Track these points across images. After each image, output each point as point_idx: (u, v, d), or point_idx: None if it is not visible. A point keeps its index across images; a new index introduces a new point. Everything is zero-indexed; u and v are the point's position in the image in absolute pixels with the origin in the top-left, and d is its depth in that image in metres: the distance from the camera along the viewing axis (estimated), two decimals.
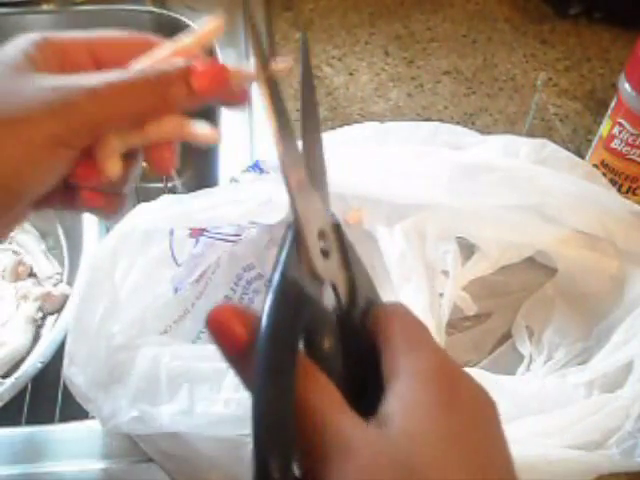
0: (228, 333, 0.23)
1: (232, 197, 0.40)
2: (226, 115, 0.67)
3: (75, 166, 0.30)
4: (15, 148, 0.27)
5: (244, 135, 0.65)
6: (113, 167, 0.30)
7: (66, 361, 0.40)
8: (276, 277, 0.24)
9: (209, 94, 0.30)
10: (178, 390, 0.38)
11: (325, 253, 0.26)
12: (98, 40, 0.32)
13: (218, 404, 0.38)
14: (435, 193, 0.47)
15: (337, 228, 0.27)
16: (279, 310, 0.23)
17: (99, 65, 0.31)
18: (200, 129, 0.31)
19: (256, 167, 0.48)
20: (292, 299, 0.24)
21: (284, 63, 0.31)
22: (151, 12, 0.79)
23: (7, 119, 0.27)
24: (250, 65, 0.30)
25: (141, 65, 0.31)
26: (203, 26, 0.31)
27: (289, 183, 0.26)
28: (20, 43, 0.30)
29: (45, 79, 0.29)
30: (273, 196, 0.44)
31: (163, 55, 0.31)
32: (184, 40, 0.31)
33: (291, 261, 0.24)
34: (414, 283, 0.47)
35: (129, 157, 0.31)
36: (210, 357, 0.39)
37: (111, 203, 0.32)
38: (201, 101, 0.30)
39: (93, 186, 0.31)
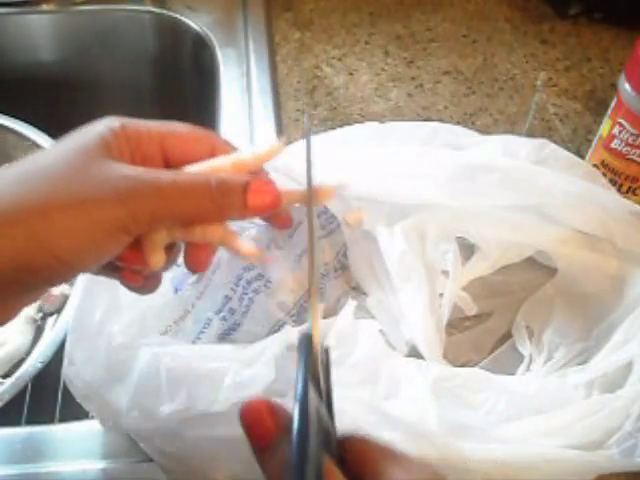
0: (260, 427, 0.25)
1: None
2: (226, 116, 0.67)
3: (124, 250, 0.32)
4: (81, 227, 0.29)
5: (244, 136, 0.65)
6: (157, 260, 0.32)
7: (66, 361, 0.39)
8: (300, 389, 0.26)
9: (260, 212, 0.32)
10: (178, 389, 0.38)
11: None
12: (169, 133, 0.34)
13: (218, 404, 0.38)
14: (434, 193, 0.47)
15: (327, 351, 0.29)
16: (305, 423, 0.24)
17: (166, 156, 0.34)
18: (244, 246, 0.33)
19: None
20: (314, 413, 0.25)
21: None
22: (151, 12, 0.79)
23: (78, 199, 0.29)
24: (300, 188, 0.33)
25: (204, 169, 0.33)
26: (264, 146, 0.34)
27: (315, 315, 0.28)
28: (99, 128, 0.32)
29: (117, 167, 0.30)
30: None
31: (224, 165, 0.33)
32: (245, 155, 0.34)
33: (309, 375, 0.26)
34: (414, 283, 0.47)
35: (170, 247, 0.33)
36: (210, 357, 0.39)
37: (148, 284, 0.35)
38: (251, 216, 0.33)
39: (135, 269, 0.33)
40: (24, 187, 0.29)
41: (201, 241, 0.33)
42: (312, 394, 0.26)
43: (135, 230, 0.30)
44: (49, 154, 0.31)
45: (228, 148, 0.35)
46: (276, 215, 0.35)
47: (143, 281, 0.34)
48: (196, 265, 0.35)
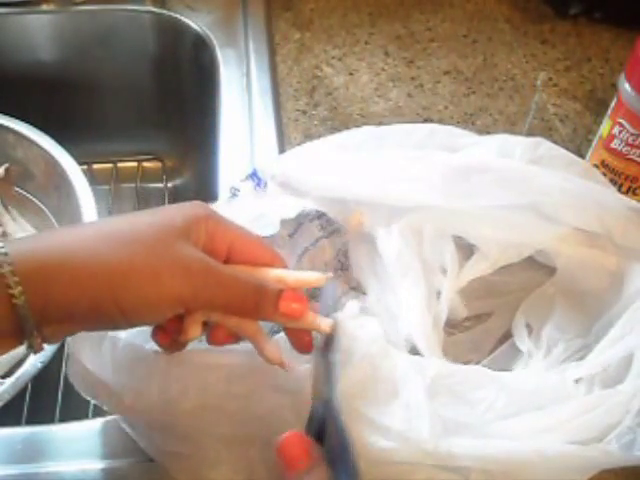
0: (294, 458, 0.31)
1: (225, 212, 0.41)
2: (226, 116, 0.67)
3: None
4: (152, 294, 0.33)
5: (244, 136, 0.65)
6: (194, 333, 0.36)
7: (68, 356, 0.40)
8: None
9: (288, 317, 0.36)
10: (182, 384, 0.38)
11: None
12: (240, 237, 0.38)
13: (219, 398, 0.38)
14: (431, 195, 0.47)
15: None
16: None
17: (229, 255, 0.37)
18: (269, 350, 0.37)
19: (254, 176, 0.48)
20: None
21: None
22: (151, 12, 0.79)
23: (157, 270, 0.33)
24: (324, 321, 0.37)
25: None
26: (309, 273, 0.38)
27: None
28: (188, 211, 0.36)
29: (193, 251, 0.35)
30: (266, 211, 0.45)
31: (269, 274, 0.38)
32: (289, 274, 0.38)
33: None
34: (411, 280, 0.47)
35: (205, 323, 0.37)
36: (215, 352, 0.40)
37: (175, 346, 0.38)
38: (279, 320, 0.37)
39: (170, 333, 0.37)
40: (115, 245, 0.33)
41: (234, 330, 0.37)
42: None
43: (191, 307, 0.35)
44: (141, 221, 0.35)
45: (282, 264, 0.39)
46: (301, 338, 0.38)
47: (170, 343, 0.38)
48: (217, 343, 0.38)
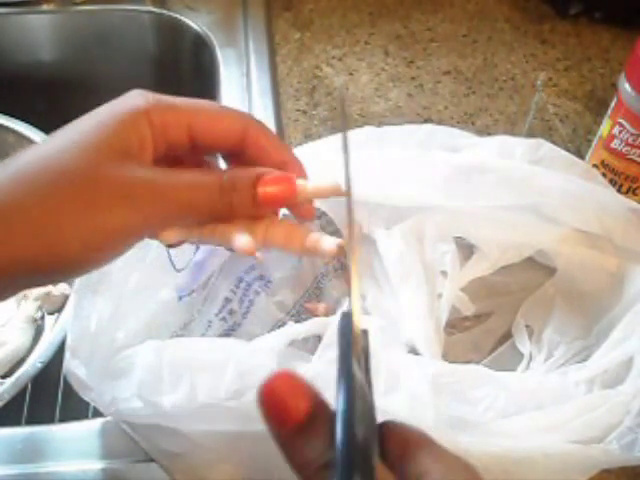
0: (285, 405, 0.21)
1: None
2: None
3: None
4: (90, 234, 0.28)
5: None
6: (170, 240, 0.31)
7: (67, 355, 0.40)
8: (345, 366, 0.23)
9: (271, 206, 0.31)
10: (181, 380, 0.38)
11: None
12: (197, 113, 0.32)
13: (220, 393, 0.38)
14: (432, 196, 0.47)
15: (365, 333, 0.26)
16: (352, 404, 0.22)
17: (193, 137, 0.31)
18: (239, 239, 0.31)
19: None
20: (360, 393, 0.23)
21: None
22: (151, 12, 0.79)
23: (89, 207, 0.28)
24: (316, 180, 0.31)
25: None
26: (328, 180, 0.32)
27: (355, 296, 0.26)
28: (122, 116, 0.30)
29: (131, 170, 0.29)
30: None
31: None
32: (305, 182, 0.32)
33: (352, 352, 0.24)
34: (413, 283, 0.47)
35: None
36: (213, 349, 0.40)
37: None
38: (263, 211, 0.31)
39: None
40: (29, 185, 0.28)
41: (212, 243, 0.32)
42: (357, 372, 0.23)
43: (147, 233, 0.30)
44: (63, 144, 0.29)
45: (264, 130, 0.33)
46: (296, 207, 0.33)
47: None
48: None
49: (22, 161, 0.29)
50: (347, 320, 0.25)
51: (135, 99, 0.31)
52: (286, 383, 0.22)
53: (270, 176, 0.31)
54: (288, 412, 0.22)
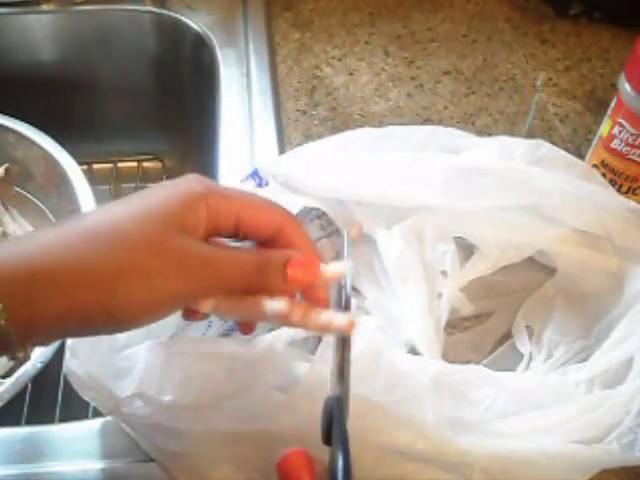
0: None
1: None
2: (226, 116, 0.67)
3: None
4: (146, 299, 0.31)
5: (244, 136, 0.65)
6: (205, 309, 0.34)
7: (67, 355, 0.40)
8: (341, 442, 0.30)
9: (301, 285, 0.34)
10: (181, 380, 0.38)
11: None
12: (247, 206, 0.35)
13: (221, 395, 0.38)
14: (432, 196, 0.47)
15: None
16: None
17: (239, 225, 0.35)
18: (271, 304, 0.34)
19: (255, 175, 0.48)
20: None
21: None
22: (151, 12, 0.79)
23: (148, 273, 0.30)
24: (339, 267, 0.36)
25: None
26: (333, 266, 0.35)
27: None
28: (183, 197, 0.33)
29: (187, 243, 0.32)
30: None
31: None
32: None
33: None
34: (412, 283, 0.47)
35: None
36: (213, 347, 0.40)
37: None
38: (294, 290, 0.35)
39: None
40: (98, 246, 0.30)
41: (239, 312, 0.35)
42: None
43: (191, 302, 0.33)
44: (125, 214, 0.32)
45: (299, 229, 0.36)
46: (315, 294, 0.36)
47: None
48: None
49: (91, 220, 0.32)
50: (338, 403, 0.32)
51: (196, 183, 0.34)
52: (302, 458, 0.30)
53: (300, 260, 0.34)
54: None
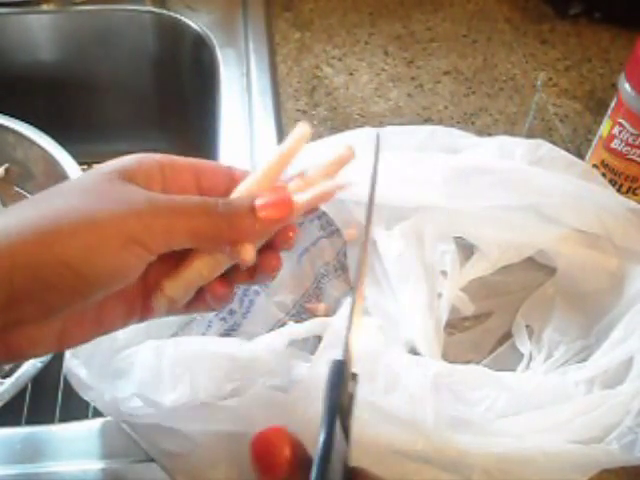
0: (275, 457, 0.25)
1: None
2: (226, 116, 0.67)
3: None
4: (93, 240, 0.29)
5: (244, 136, 0.65)
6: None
7: (67, 355, 0.40)
8: (327, 420, 0.26)
9: (275, 224, 0.33)
10: (180, 380, 0.38)
11: None
12: (201, 165, 0.35)
13: (221, 394, 0.38)
14: (432, 196, 0.47)
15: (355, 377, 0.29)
16: (328, 460, 0.25)
17: (200, 189, 0.35)
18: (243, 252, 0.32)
19: None
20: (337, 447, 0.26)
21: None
22: (151, 12, 0.79)
23: (90, 214, 0.30)
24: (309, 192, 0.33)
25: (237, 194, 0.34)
26: (288, 140, 0.34)
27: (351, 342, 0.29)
28: (125, 159, 0.33)
29: (134, 189, 0.32)
30: None
31: (258, 179, 0.34)
32: (272, 158, 0.34)
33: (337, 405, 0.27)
34: (413, 284, 0.47)
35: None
36: (212, 347, 0.40)
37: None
38: (270, 230, 0.33)
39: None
40: (41, 206, 0.30)
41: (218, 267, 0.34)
42: (337, 426, 0.26)
43: (151, 244, 0.31)
44: (70, 181, 0.33)
45: (245, 171, 0.35)
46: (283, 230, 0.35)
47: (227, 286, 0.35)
48: (216, 301, 0.35)
49: (40, 195, 0.32)
50: (338, 368, 0.27)
51: (145, 156, 0.34)
52: (275, 435, 0.26)
53: (267, 198, 0.32)
54: (280, 459, 0.25)
